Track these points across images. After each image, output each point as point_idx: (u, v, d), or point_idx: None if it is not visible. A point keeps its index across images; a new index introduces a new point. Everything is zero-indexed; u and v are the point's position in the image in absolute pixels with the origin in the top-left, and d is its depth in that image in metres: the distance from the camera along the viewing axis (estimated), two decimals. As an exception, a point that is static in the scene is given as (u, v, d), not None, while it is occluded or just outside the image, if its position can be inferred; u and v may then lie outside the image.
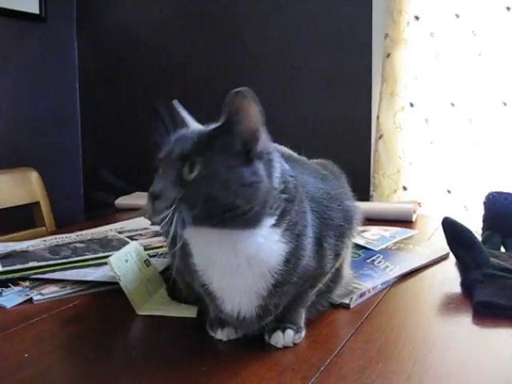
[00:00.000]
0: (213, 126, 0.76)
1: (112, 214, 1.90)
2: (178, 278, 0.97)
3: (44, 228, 1.83)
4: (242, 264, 0.75)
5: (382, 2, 2.10)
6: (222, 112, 0.73)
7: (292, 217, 0.76)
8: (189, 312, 0.94)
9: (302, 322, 0.84)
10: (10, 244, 1.35)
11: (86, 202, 2.93)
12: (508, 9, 1.89)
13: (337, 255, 0.84)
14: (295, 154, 0.99)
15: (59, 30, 2.79)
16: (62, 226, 1.80)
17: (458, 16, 1.94)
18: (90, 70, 2.86)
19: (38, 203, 1.86)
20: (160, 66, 2.65)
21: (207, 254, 0.78)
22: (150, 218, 0.73)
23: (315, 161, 1.03)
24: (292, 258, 0.76)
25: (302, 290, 0.82)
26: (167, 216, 0.69)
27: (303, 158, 0.97)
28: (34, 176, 1.88)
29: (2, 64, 2.52)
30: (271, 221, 0.74)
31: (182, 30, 2.58)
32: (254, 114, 0.71)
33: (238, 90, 0.69)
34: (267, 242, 0.75)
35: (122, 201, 1.97)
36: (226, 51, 2.51)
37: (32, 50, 2.66)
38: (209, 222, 0.72)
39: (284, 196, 0.76)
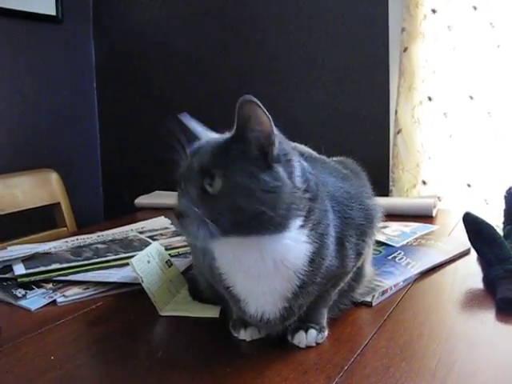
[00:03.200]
0: (227, 134, 0.76)
1: (132, 213, 1.91)
2: (200, 278, 0.97)
3: (65, 228, 1.84)
4: (269, 267, 0.75)
5: (398, -5, 2.08)
6: (233, 121, 0.73)
7: (316, 216, 0.76)
8: (211, 312, 0.95)
9: (324, 322, 0.84)
10: (33, 246, 1.37)
11: (105, 202, 2.95)
12: (526, 0, 1.87)
13: (358, 254, 0.84)
14: (315, 153, 0.99)
15: (76, 31, 2.80)
16: (82, 226, 1.81)
17: (475, 8, 1.92)
18: (106, 70, 2.87)
19: (58, 204, 1.87)
20: (176, 65, 2.65)
21: (231, 260, 0.78)
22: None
23: (335, 159, 1.03)
24: (316, 258, 0.76)
25: (325, 290, 0.82)
26: (195, 232, 0.71)
27: (323, 157, 0.97)
28: (53, 177, 1.90)
29: (19, 66, 2.53)
30: (299, 222, 0.75)
31: (198, 29, 2.58)
32: (264, 119, 0.71)
33: (245, 98, 0.70)
34: (295, 244, 0.75)
35: (141, 200, 1.99)
36: (242, 49, 2.50)
37: (49, 52, 2.67)
38: (237, 231, 0.72)
39: (307, 195, 0.76)
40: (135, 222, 1.62)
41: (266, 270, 0.75)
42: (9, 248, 1.35)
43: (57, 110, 2.70)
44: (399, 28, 2.04)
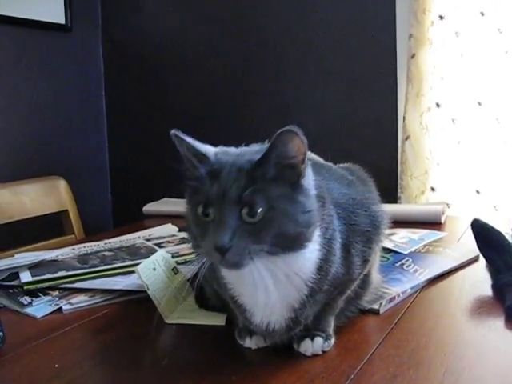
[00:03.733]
0: (254, 154, 0.73)
1: (140, 220, 1.91)
2: (206, 285, 0.97)
3: (73, 236, 1.84)
4: (280, 280, 0.74)
5: (405, 1, 2.08)
6: (267, 142, 0.72)
7: (325, 221, 0.76)
8: (217, 320, 0.94)
9: (331, 330, 0.83)
10: (40, 253, 1.37)
11: (114, 209, 2.95)
12: (534, 5, 1.86)
13: (364, 261, 0.83)
14: (321, 160, 0.99)
15: (84, 39, 2.81)
16: (90, 234, 1.81)
17: (482, 14, 1.91)
18: (115, 77, 2.88)
19: (66, 211, 1.88)
20: (185, 72, 2.66)
21: (240, 273, 0.75)
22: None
23: (342, 165, 1.02)
24: (324, 265, 0.76)
25: (331, 298, 0.81)
26: (240, 262, 0.70)
27: (329, 164, 0.97)
28: (62, 184, 1.90)
29: (28, 74, 2.55)
30: (317, 232, 0.75)
31: (206, 36, 2.59)
32: (303, 145, 0.70)
33: (288, 128, 0.69)
34: (311, 255, 0.75)
35: (149, 207, 1.98)
36: (250, 57, 2.51)
37: (58, 60, 2.68)
38: (274, 254, 0.71)
39: (319, 202, 0.76)
40: (143, 229, 1.62)
41: (276, 282, 0.75)
42: (16, 255, 1.35)
43: (66, 117, 2.71)
44: (407, 34, 2.03)
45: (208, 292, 0.97)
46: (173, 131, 0.75)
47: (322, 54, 2.33)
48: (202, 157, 0.75)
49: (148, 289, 0.98)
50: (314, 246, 0.74)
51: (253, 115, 2.45)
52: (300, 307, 0.76)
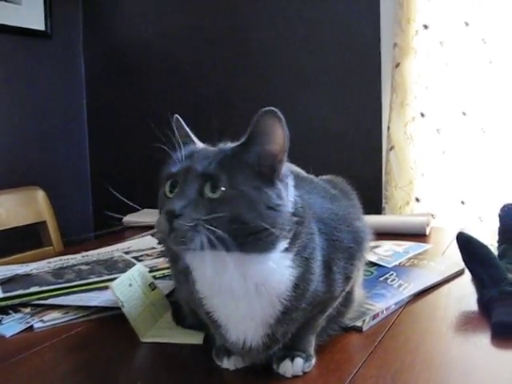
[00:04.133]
0: (230, 144, 0.74)
1: (120, 231, 1.87)
2: (182, 303, 0.93)
3: (51, 247, 1.81)
4: (250, 291, 0.72)
5: (390, 10, 2.07)
6: (247, 129, 0.70)
7: (301, 240, 0.73)
8: (195, 338, 0.90)
9: (311, 349, 0.80)
10: (14, 267, 1.33)
11: (95, 219, 2.91)
12: (518, 15, 1.85)
13: (347, 278, 0.80)
14: (303, 172, 0.96)
15: (65, 46, 2.78)
16: (71, 245, 1.78)
17: (467, 24, 1.91)
18: (97, 85, 2.85)
19: (44, 222, 1.84)
20: (168, 79, 2.63)
21: (212, 281, 0.73)
22: (161, 238, 0.69)
23: (324, 177, 0.99)
24: (301, 283, 0.73)
25: (311, 316, 0.78)
26: (187, 236, 0.65)
27: (311, 177, 0.94)
28: (40, 194, 1.87)
29: (8, 81, 2.51)
30: (284, 245, 0.71)
31: (191, 43, 2.57)
32: (282, 135, 0.68)
33: (268, 109, 0.67)
34: (278, 268, 0.71)
35: (130, 218, 1.94)
36: (235, 63, 2.49)
37: (38, 67, 2.65)
38: (229, 244, 0.67)
39: (295, 218, 0.72)
40: (123, 240, 1.58)
41: (246, 292, 0.72)
42: (-12, 270, 1.31)
43: (46, 126, 2.67)
44: (391, 43, 2.03)
45: (185, 309, 0.93)
46: (176, 116, 0.79)
47: (304, 64, 2.32)
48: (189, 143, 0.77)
49: (123, 306, 0.94)
50: (282, 260, 0.71)
51: (236, 125, 2.42)
52: (276, 324, 0.73)
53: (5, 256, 1.58)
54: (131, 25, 2.75)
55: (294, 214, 0.72)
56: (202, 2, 2.54)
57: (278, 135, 0.69)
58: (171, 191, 0.71)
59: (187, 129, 0.80)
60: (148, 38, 2.69)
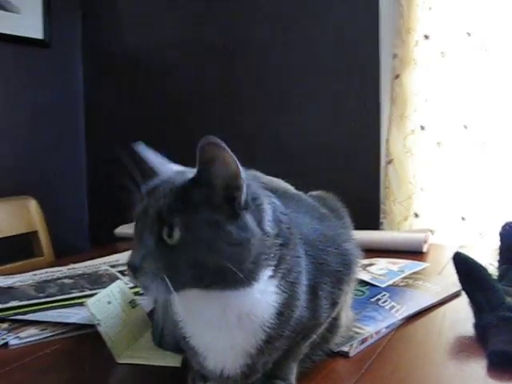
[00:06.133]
0: (189, 172, 0.68)
1: (113, 243, 1.84)
2: (162, 323, 0.89)
3: (42, 258, 1.78)
4: (231, 321, 0.67)
5: (389, 20, 2.04)
6: (196, 162, 0.64)
7: (287, 263, 0.68)
8: (173, 361, 0.86)
9: (292, 378, 0.74)
10: (-3, 279, 1.29)
11: (90, 230, 2.88)
12: (522, 25, 1.82)
13: (333, 304, 0.75)
14: (291, 189, 0.92)
15: (64, 55, 2.76)
16: (64, 255, 1.75)
17: (469, 34, 1.88)
18: (95, 94, 2.82)
19: (36, 232, 1.82)
20: (168, 90, 2.60)
21: (190, 308, 0.69)
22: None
23: (314, 193, 0.95)
24: (285, 310, 0.68)
25: (294, 344, 0.73)
26: (151, 287, 0.63)
27: (299, 194, 0.90)
28: (32, 204, 1.85)
29: (5, 89, 2.48)
30: (268, 272, 0.67)
31: (191, 54, 2.54)
32: (230, 161, 0.62)
33: (207, 139, 0.61)
34: (263, 297, 0.67)
35: (122, 230, 1.90)
36: (232, 76, 2.46)
37: (36, 76, 2.62)
38: (196, 286, 0.64)
39: (279, 240, 0.68)
40: (114, 252, 1.55)
41: (227, 324, 0.67)
42: (-29, 281, 1.27)
43: (43, 135, 2.65)
44: (391, 54, 2.00)
45: (164, 330, 0.89)
46: (136, 143, 0.74)
47: (302, 74, 2.29)
48: (152, 173, 0.71)
49: (99, 324, 0.90)
50: (267, 288, 0.67)
51: (236, 132, 2.39)
52: (257, 353, 0.68)
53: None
54: (130, 34, 2.73)
55: (277, 235, 0.68)
56: (201, 12, 2.51)
57: (228, 162, 0.62)
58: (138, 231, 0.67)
59: (151, 157, 0.74)
60: (147, 48, 2.67)
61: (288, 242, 0.69)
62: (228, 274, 0.63)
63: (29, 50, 2.58)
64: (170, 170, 0.73)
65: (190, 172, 0.68)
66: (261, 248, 0.65)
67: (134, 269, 0.63)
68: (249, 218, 0.65)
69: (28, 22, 2.54)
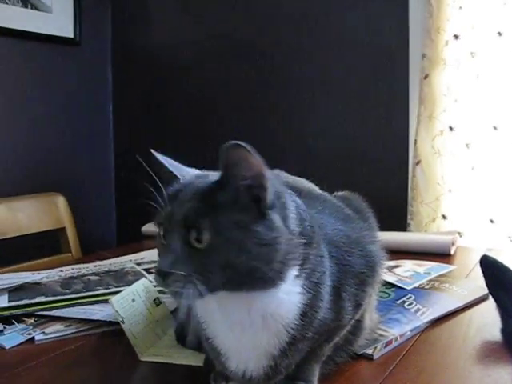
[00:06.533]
0: (211, 175, 0.68)
1: (140, 240, 1.85)
2: (185, 322, 0.89)
3: (70, 254, 1.80)
4: (256, 322, 0.67)
5: (419, 20, 2.01)
6: (217, 164, 0.64)
7: (311, 263, 0.68)
8: (195, 360, 0.86)
9: (315, 379, 0.74)
10: (25, 275, 1.31)
11: (118, 227, 2.90)
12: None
13: (357, 306, 0.75)
14: (316, 189, 0.91)
15: (93, 53, 2.78)
16: (91, 252, 1.75)
17: (500, 34, 1.84)
18: (124, 93, 2.84)
19: (64, 229, 1.84)
20: (197, 91, 2.61)
21: (213, 310, 0.69)
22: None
23: (339, 194, 0.95)
24: (309, 311, 0.68)
25: (317, 345, 0.72)
26: (182, 292, 0.62)
27: (324, 194, 0.89)
28: (60, 201, 1.87)
29: (35, 88, 2.51)
30: (294, 272, 0.66)
31: (218, 54, 2.54)
32: (255, 161, 0.62)
33: (231, 143, 0.61)
34: (289, 297, 0.67)
35: (148, 227, 1.91)
36: (259, 75, 2.45)
37: (66, 74, 2.65)
38: (226, 288, 0.64)
39: (302, 240, 0.67)
40: (140, 250, 1.56)
41: (252, 324, 0.67)
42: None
43: (72, 132, 2.67)
44: (420, 54, 1.96)
45: (188, 328, 0.89)
46: (152, 151, 0.73)
47: (331, 74, 2.27)
48: (172, 178, 0.71)
49: (123, 322, 0.91)
50: (293, 288, 0.66)
51: (259, 133, 2.39)
52: (280, 355, 0.68)
53: (24, 262, 1.58)
54: (160, 33, 2.73)
55: (301, 233, 0.67)
56: (229, 12, 2.51)
57: (250, 163, 0.62)
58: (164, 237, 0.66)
59: (168, 162, 0.74)
60: (176, 47, 2.67)
61: (311, 240, 0.69)
62: (257, 275, 0.63)
63: (59, 48, 2.61)
64: (188, 174, 0.73)
65: (212, 175, 0.68)
66: (288, 247, 0.65)
67: (164, 274, 0.62)
68: (275, 217, 0.64)
69: (59, 21, 2.57)
